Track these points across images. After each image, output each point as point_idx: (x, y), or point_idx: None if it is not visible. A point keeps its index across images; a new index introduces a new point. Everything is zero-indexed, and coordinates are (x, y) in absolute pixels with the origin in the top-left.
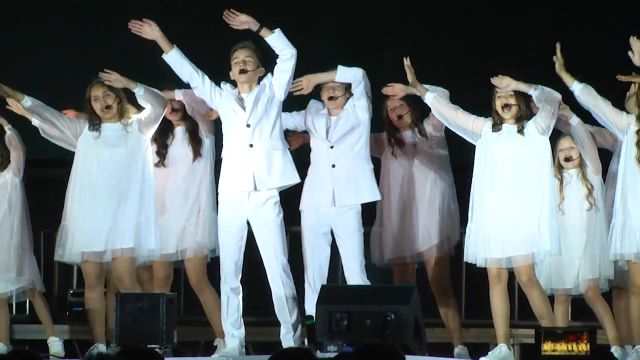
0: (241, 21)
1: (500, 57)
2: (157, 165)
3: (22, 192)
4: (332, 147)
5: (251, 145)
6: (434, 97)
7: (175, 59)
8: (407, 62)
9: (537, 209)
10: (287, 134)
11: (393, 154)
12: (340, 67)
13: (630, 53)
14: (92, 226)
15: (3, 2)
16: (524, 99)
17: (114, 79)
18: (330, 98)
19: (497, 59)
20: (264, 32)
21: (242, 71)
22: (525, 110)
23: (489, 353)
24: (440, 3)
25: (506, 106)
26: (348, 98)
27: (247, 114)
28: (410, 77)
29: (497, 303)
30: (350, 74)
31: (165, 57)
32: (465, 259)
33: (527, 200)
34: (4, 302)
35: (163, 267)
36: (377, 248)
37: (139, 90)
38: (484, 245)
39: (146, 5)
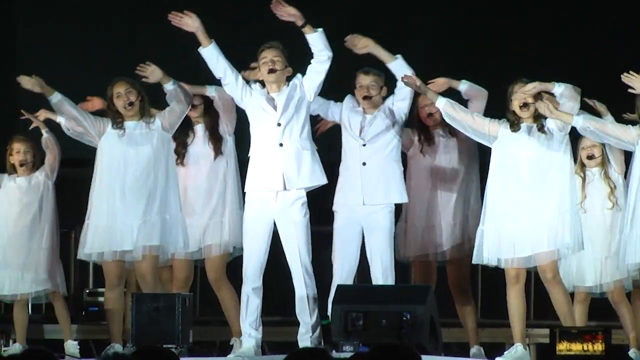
0: (288, 13)
1: (500, 57)
2: (175, 163)
3: (54, 195)
4: (364, 145)
5: (281, 145)
6: (446, 102)
7: (212, 54)
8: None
9: (559, 206)
10: (316, 119)
11: (422, 152)
12: (399, 58)
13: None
14: (120, 225)
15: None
16: (540, 97)
17: (151, 71)
18: (365, 97)
19: (497, 59)
20: (307, 29)
21: (271, 70)
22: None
23: (505, 353)
24: (440, 3)
25: (524, 105)
26: (383, 98)
27: (279, 113)
28: (417, 82)
29: (514, 303)
30: (404, 72)
31: (202, 50)
32: (476, 261)
33: (550, 198)
34: (25, 303)
35: (184, 267)
36: (402, 244)
37: (170, 86)
38: (505, 246)
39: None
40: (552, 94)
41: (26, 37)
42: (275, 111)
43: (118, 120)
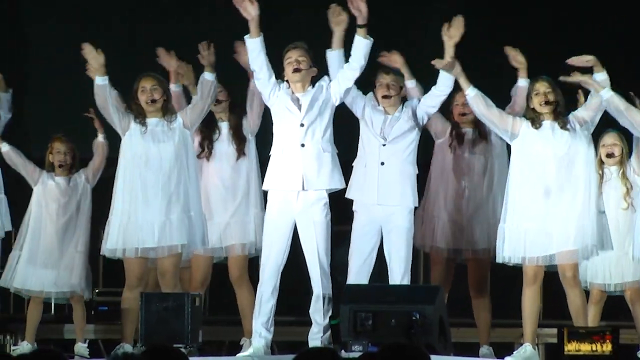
0: (358, 7)
1: (503, 58)
2: (199, 156)
3: (90, 199)
4: (384, 145)
5: (303, 145)
6: (476, 94)
7: (257, 46)
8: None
9: (583, 205)
10: None
11: (450, 146)
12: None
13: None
14: (142, 222)
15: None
16: (560, 94)
17: (207, 53)
18: (385, 96)
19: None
20: (362, 31)
21: (296, 70)
22: (562, 107)
23: (514, 352)
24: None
25: (547, 103)
26: (402, 98)
27: (302, 113)
28: (458, 68)
29: (528, 304)
30: (448, 85)
31: (248, 40)
32: (498, 260)
33: (575, 195)
34: (41, 301)
35: (203, 266)
36: (418, 232)
37: (211, 76)
38: (530, 244)
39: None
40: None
41: (30, 37)
42: (300, 111)
43: (140, 116)
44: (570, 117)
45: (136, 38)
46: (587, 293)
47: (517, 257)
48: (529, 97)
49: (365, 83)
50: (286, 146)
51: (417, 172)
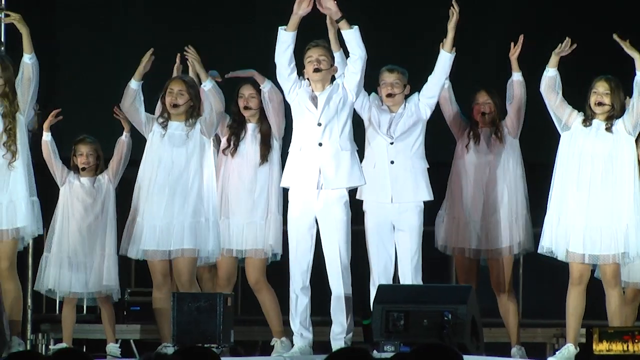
0: (326, 5)
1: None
2: (223, 152)
3: (115, 199)
4: (392, 143)
5: (320, 144)
6: (556, 75)
7: (288, 39)
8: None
9: (625, 208)
10: None
11: (466, 147)
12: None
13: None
14: (156, 224)
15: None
16: (619, 98)
17: (193, 57)
18: (389, 95)
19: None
20: (342, 24)
21: (316, 70)
22: (619, 111)
23: (557, 353)
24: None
25: (599, 104)
26: (406, 96)
27: (319, 112)
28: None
29: (573, 304)
30: (445, 71)
31: (283, 31)
32: (540, 250)
33: (614, 199)
34: (74, 303)
35: (228, 266)
36: (439, 234)
37: (207, 84)
38: (567, 238)
39: None
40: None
41: (59, 40)
42: (317, 110)
43: (165, 117)
44: (620, 121)
45: (163, 43)
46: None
47: (561, 250)
48: (588, 93)
49: (368, 81)
50: (304, 145)
51: (427, 165)
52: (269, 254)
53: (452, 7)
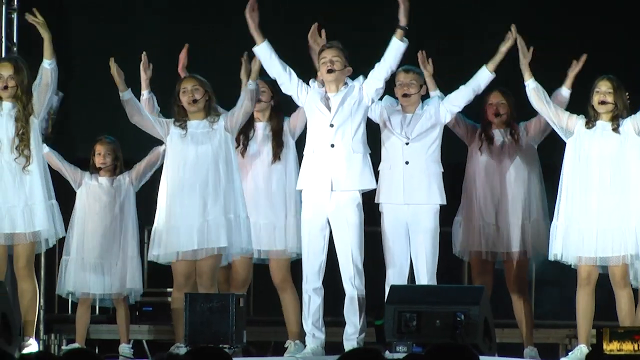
0: (406, 5)
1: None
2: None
3: (135, 201)
4: (407, 143)
5: (332, 146)
6: (536, 87)
7: (264, 51)
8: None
9: (634, 209)
10: None
11: (480, 149)
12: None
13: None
14: (183, 225)
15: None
16: (621, 97)
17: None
18: (405, 95)
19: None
20: (399, 34)
21: (330, 71)
22: (622, 110)
23: (569, 354)
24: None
25: (603, 103)
26: (422, 96)
27: (332, 114)
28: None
29: (583, 305)
30: (485, 83)
31: (255, 49)
32: (550, 257)
33: (622, 200)
34: (90, 303)
35: (244, 268)
36: (457, 240)
37: (252, 84)
38: (578, 243)
39: None
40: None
41: (75, 39)
42: (330, 112)
43: (182, 119)
44: (628, 120)
45: (179, 40)
46: (634, 291)
47: (572, 256)
48: (591, 93)
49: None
50: (317, 146)
51: (442, 170)
52: (293, 254)
53: (510, 31)
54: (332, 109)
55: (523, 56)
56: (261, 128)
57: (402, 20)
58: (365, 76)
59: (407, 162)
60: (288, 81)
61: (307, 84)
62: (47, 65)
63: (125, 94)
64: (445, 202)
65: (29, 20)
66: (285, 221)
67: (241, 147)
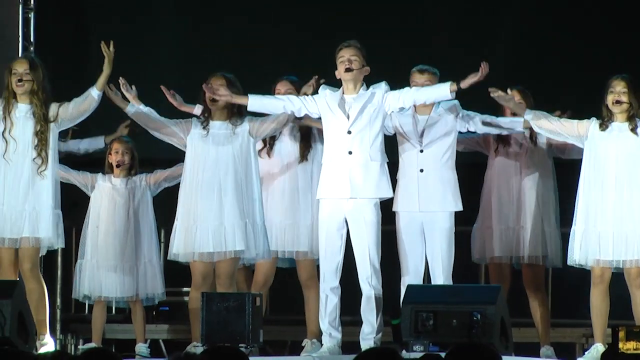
0: (484, 72)
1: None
2: (259, 153)
3: (151, 206)
4: (421, 151)
5: (350, 152)
6: (533, 114)
7: (257, 105)
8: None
9: None
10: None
11: (496, 151)
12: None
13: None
14: (200, 227)
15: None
16: (635, 97)
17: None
18: None
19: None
20: (453, 86)
21: (348, 70)
22: (637, 109)
23: (586, 353)
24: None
25: (617, 103)
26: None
27: (350, 121)
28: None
29: (597, 303)
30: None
31: (249, 109)
32: (570, 263)
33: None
34: (104, 304)
35: (267, 269)
36: (475, 247)
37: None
38: (596, 246)
39: None
40: None
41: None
42: (347, 119)
43: (205, 116)
44: None
45: (199, 39)
46: None
47: (591, 259)
48: (605, 93)
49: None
50: (334, 154)
51: (456, 177)
52: (317, 255)
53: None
54: (350, 116)
55: (506, 102)
56: (288, 130)
57: (465, 83)
58: (391, 88)
59: (421, 170)
60: (294, 108)
61: (315, 93)
62: (96, 95)
63: (129, 109)
64: (461, 209)
65: (102, 48)
66: (312, 221)
67: (267, 148)
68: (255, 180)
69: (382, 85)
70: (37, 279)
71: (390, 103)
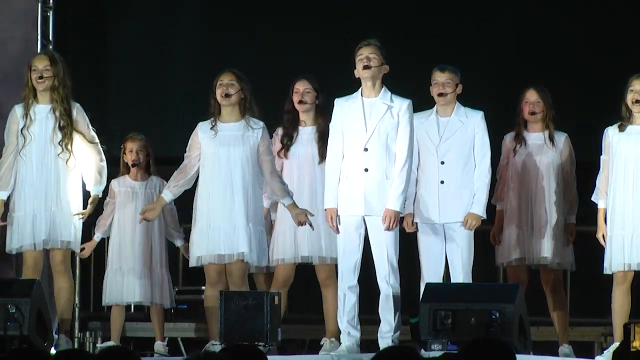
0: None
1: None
2: (278, 154)
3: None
4: (442, 162)
5: (366, 170)
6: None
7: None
8: None
9: None
10: None
11: (514, 150)
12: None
13: None
14: (211, 228)
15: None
16: None
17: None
18: (440, 94)
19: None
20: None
21: (366, 67)
22: None
23: (604, 352)
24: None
25: (637, 102)
26: (457, 95)
27: (366, 138)
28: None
29: (619, 303)
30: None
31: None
32: (606, 272)
33: None
34: (123, 305)
35: (285, 271)
36: (497, 251)
37: (287, 200)
38: (619, 251)
39: None
40: None
41: (112, 36)
42: (365, 134)
43: (214, 117)
44: None
45: (214, 37)
46: None
47: (621, 263)
48: (625, 92)
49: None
50: (350, 171)
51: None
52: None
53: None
54: (367, 132)
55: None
56: (306, 132)
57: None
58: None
59: (442, 182)
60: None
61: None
62: (96, 190)
63: (167, 199)
64: (484, 217)
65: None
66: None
67: (284, 149)
68: (259, 188)
69: (406, 103)
70: (67, 276)
71: (401, 121)
